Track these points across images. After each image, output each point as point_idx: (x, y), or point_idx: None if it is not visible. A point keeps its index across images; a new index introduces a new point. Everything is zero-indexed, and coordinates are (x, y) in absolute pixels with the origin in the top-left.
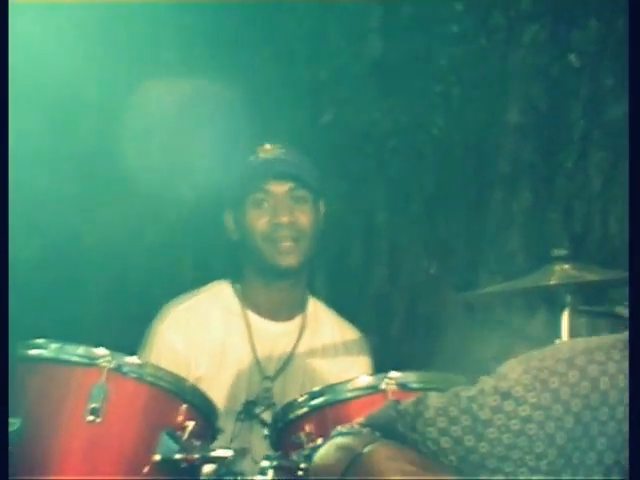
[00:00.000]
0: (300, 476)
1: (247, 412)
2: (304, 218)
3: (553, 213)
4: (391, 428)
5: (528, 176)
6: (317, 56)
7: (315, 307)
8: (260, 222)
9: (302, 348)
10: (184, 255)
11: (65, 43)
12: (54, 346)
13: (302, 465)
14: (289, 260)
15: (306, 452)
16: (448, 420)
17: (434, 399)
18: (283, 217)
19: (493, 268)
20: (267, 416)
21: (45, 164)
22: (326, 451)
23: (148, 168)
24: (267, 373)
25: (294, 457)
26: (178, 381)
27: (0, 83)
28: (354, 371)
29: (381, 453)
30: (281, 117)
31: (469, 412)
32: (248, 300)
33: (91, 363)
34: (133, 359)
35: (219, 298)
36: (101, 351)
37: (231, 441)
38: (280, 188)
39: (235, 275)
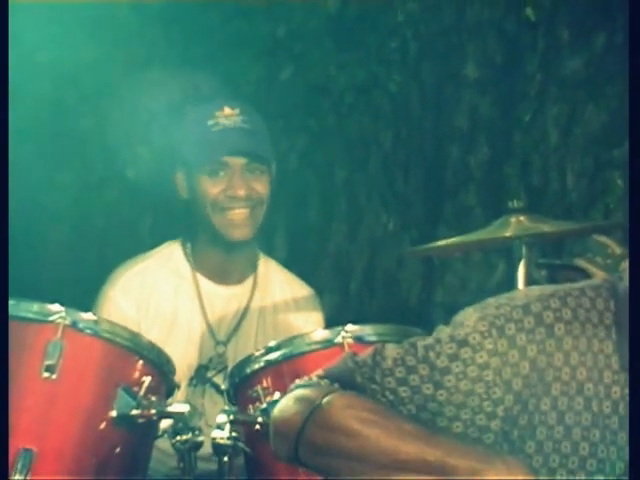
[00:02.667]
0: (257, 430)
1: (199, 377)
2: (260, 188)
3: (510, 167)
4: (349, 379)
5: (485, 130)
6: (274, 13)
7: (266, 266)
8: (213, 191)
9: (253, 310)
10: (142, 214)
11: None
12: (10, 303)
13: (259, 419)
14: (242, 232)
15: (263, 406)
16: (406, 370)
17: (391, 350)
18: (239, 190)
19: (451, 223)
20: (219, 380)
21: (3, 123)
22: (285, 404)
23: (105, 126)
24: (219, 337)
25: (251, 411)
26: (134, 337)
27: (0, 82)
28: (307, 328)
29: (339, 402)
30: (239, 74)
31: (426, 361)
32: (198, 263)
33: (46, 320)
34: (89, 315)
35: (169, 261)
36: (56, 307)
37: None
38: (237, 161)
39: (187, 235)
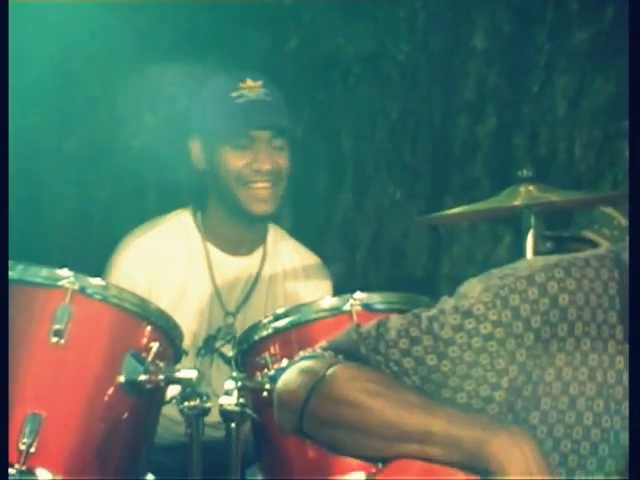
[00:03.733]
0: (265, 397)
1: (207, 347)
2: (283, 162)
3: (518, 138)
4: (354, 351)
5: (493, 101)
6: None
7: (275, 236)
8: (238, 164)
9: (263, 281)
10: (149, 183)
11: None
12: (19, 267)
13: (267, 386)
14: (265, 207)
15: (271, 373)
16: (410, 341)
17: (395, 321)
18: (265, 164)
19: (458, 194)
20: (227, 350)
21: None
22: (289, 376)
23: (112, 95)
24: (228, 308)
25: (259, 378)
26: (143, 303)
27: (0, 82)
28: (316, 297)
29: (343, 374)
30: (246, 44)
31: (430, 332)
32: (209, 233)
33: (55, 284)
34: (97, 280)
35: (179, 230)
36: (65, 272)
37: None
38: (263, 135)
39: (197, 203)
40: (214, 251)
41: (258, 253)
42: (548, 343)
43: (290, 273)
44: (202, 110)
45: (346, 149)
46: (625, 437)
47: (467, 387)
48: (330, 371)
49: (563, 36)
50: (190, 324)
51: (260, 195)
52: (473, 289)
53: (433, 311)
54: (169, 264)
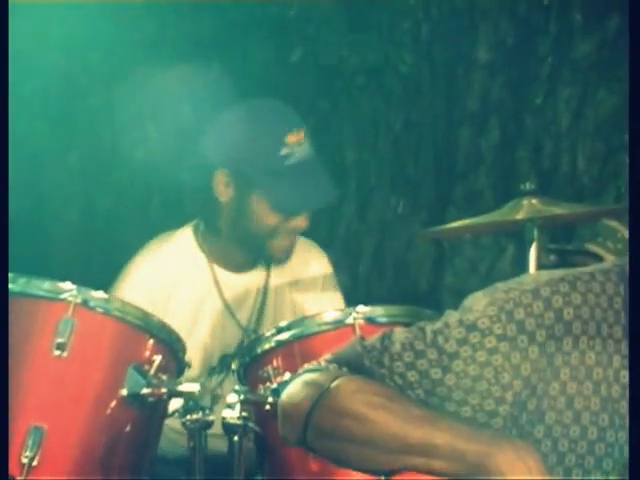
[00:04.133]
0: (268, 410)
1: (222, 365)
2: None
3: (522, 151)
4: (358, 364)
5: (497, 113)
6: None
7: None
8: (272, 220)
9: (271, 293)
10: (152, 194)
11: None
12: (21, 280)
13: (269, 399)
14: (287, 255)
15: (274, 386)
16: (414, 354)
17: (400, 334)
18: (303, 223)
19: (461, 206)
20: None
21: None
22: (293, 388)
23: (114, 105)
24: (244, 324)
25: (261, 391)
26: (145, 316)
27: (0, 81)
28: (326, 304)
29: (348, 387)
30: (250, 54)
31: (435, 345)
32: (213, 253)
33: (57, 297)
34: (100, 293)
35: (183, 252)
36: (67, 285)
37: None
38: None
39: (201, 221)
40: (219, 270)
41: (262, 268)
42: (552, 357)
43: (297, 280)
44: (237, 149)
45: (349, 160)
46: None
47: (471, 401)
48: (334, 384)
49: (566, 48)
50: (205, 344)
51: (286, 245)
52: (478, 303)
53: (438, 324)
54: (175, 289)
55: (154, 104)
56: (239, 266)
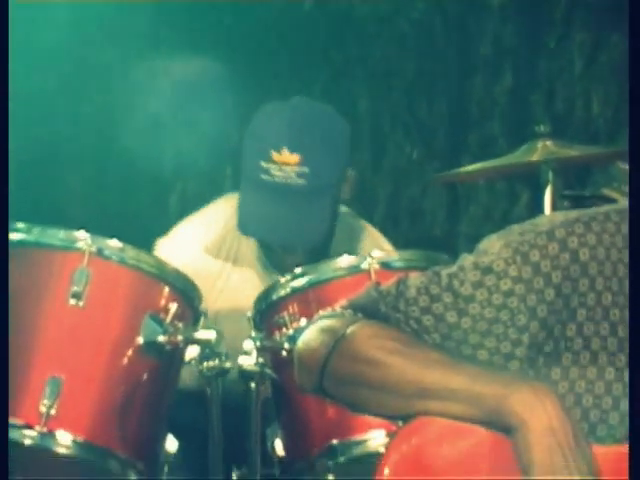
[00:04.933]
0: (284, 356)
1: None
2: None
3: (535, 96)
4: (373, 309)
5: (510, 58)
6: None
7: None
8: None
9: None
10: (166, 149)
11: None
12: (36, 230)
13: (286, 345)
14: (290, 264)
15: (290, 333)
16: (430, 298)
17: (415, 279)
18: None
19: (475, 153)
20: None
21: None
22: (309, 335)
23: (127, 61)
24: None
25: (277, 338)
26: (160, 264)
27: (0, 81)
28: None
29: (363, 332)
30: (262, 3)
31: (450, 289)
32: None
33: (72, 247)
34: (114, 242)
35: (228, 234)
36: (82, 234)
37: None
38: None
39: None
40: (264, 263)
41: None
42: (569, 298)
43: None
44: (244, 146)
45: (362, 109)
46: None
47: (488, 344)
48: (350, 329)
49: None
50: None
51: (285, 265)
52: (493, 245)
53: (453, 268)
54: (218, 278)
55: (166, 61)
56: (282, 267)
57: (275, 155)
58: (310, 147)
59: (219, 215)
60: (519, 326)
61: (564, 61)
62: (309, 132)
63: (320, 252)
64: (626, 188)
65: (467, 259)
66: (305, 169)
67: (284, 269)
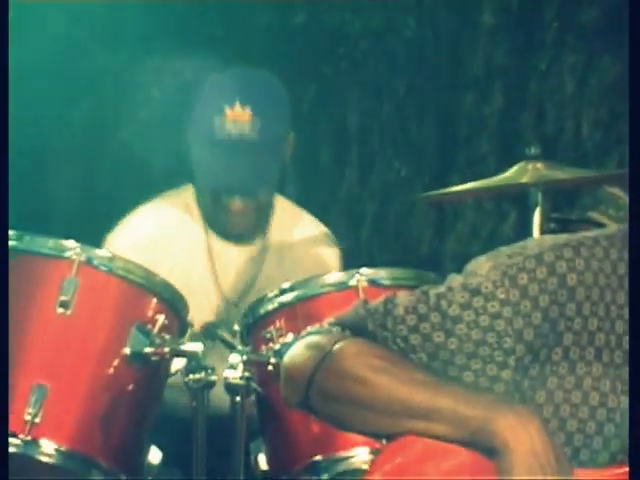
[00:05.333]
0: (270, 371)
1: (208, 334)
2: (263, 198)
3: (525, 117)
4: (361, 326)
5: (501, 79)
6: None
7: (280, 220)
8: (211, 197)
9: (265, 271)
10: (154, 155)
11: None
12: (26, 238)
13: (272, 360)
14: (239, 230)
15: (276, 347)
16: (417, 317)
17: (403, 297)
18: (235, 206)
19: (464, 171)
20: (229, 337)
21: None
22: (296, 350)
23: (118, 66)
24: (230, 297)
25: (264, 352)
26: (149, 275)
27: (0, 80)
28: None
29: (350, 349)
30: (253, 18)
31: (438, 309)
32: (209, 221)
33: (61, 255)
34: (104, 252)
35: (181, 215)
36: (71, 243)
37: None
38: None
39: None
40: (214, 239)
41: (260, 242)
42: (556, 323)
43: (294, 261)
44: (197, 110)
45: (352, 125)
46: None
47: (474, 366)
48: (337, 346)
49: (572, 13)
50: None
51: (234, 222)
52: (481, 267)
53: (441, 288)
54: (169, 250)
55: (158, 67)
56: (236, 237)
57: (229, 111)
58: (260, 102)
59: (167, 202)
60: (505, 348)
61: (555, 83)
62: (257, 89)
63: (263, 214)
64: (613, 212)
65: (455, 280)
66: (257, 123)
67: (232, 235)
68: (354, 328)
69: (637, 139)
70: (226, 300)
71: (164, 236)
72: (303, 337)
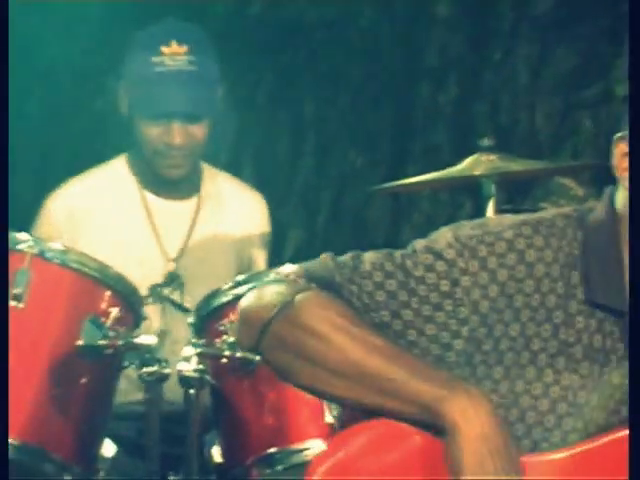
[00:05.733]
0: (224, 363)
1: (155, 295)
2: (199, 134)
3: (480, 106)
4: (328, 279)
5: (455, 69)
6: None
7: (210, 177)
8: (151, 134)
9: (201, 224)
10: (111, 145)
11: None
12: None
13: (226, 352)
14: (177, 172)
15: (230, 340)
16: (383, 274)
17: (370, 255)
18: (176, 139)
19: (419, 161)
20: (178, 297)
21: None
22: (256, 295)
23: (73, 55)
24: (170, 254)
25: (218, 345)
26: (102, 267)
27: (0, 79)
28: (255, 232)
29: (312, 302)
30: (209, 7)
31: (403, 268)
32: (144, 178)
33: (13, 248)
34: (57, 245)
35: (114, 178)
36: (24, 236)
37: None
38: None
39: (132, 149)
40: (151, 197)
41: (194, 196)
42: (512, 298)
43: (228, 213)
44: (129, 60)
45: (308, 114)
46: (582, 396)
47: (429, 331)
48: (300, 296)
49: (526, 4)
50: (132, 273)
51: (172, 163)
52: (444, 236)
53: (407, 250)
54: (102, 213)
55: (114, 54)
56: (171, 193)
57: (165, 49)
58: (194, 43)
59: (100, 170)
60: (460, 318)
61: (509, 73)
62: (190, 33)
63: (196, 159)
64: (565, 203)
65: (420, 243)
66: (194, 58)
67: (168, 184)
68: (321, 280)
69: (637, 138)
70: (167, 257)
71: (93, 199)
72: (267, 283)
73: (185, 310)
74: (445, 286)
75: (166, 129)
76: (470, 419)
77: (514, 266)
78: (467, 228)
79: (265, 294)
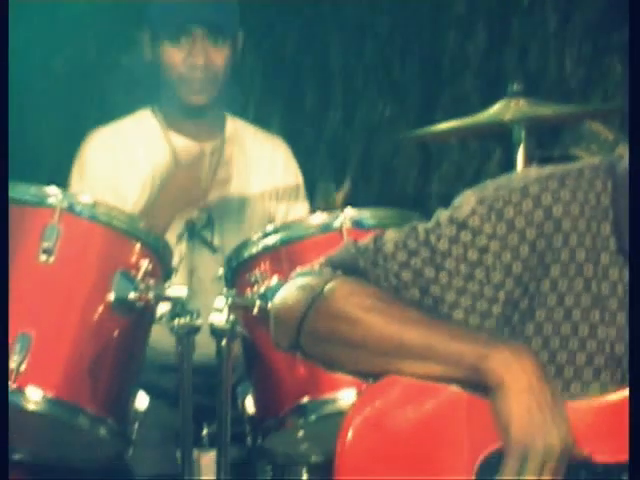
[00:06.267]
0: (255, 314)
1: (190, 232)
2: (219, 60)
3: (509, 54)
4: (352, 265)
5: (483, 16)
6: None
7: (234, 123)
8: (174, 58)
9: (226, 162)
10: (138, 101)
11: None
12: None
13: (257, 303)
14: (200, 99)
15: (261, 290)
16: (407, 253)
17: (392, 234)
18: (198, 59)
19: (448, 110)
20: (208, 235)
21: None
22: (286, 292)
23: (99, 11)
24: (197, 190)
25: (249, 295)
26: (132, 220)
27: (0, 78)
28: (283, 173)
29: (342, 289)
30: None
31: (427, 244)
32: (169, 121)
33: (43, 202)
34: (86, 198)
35: (140, 124)
36: (53, 190)
37: (180, 263)
38: (199, 31)
39: (156, 101)
40: (175, 137)
41: (219, 138)
42: (543, 255)
43: (253, 153)
44: (150, 4)
45: (335, 65)
46: (620, 348)
47: (464, 303)
48: (328, 286)
49: None
50: (168, 210)
51: (196, 88)
52: (468, 201)
53: (429, 224)
54: (134, 154)
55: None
56: (195, 134)
57: None
58: None
59: (125, 120)
60: (494, 283)
61: (538, 19)
62: None
63: (219, 85)
64: (595, 148)
65: (443, 214)
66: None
67: (193, 112)
68: (345, 267)
69: (637, 136)
70: (194, 195)
71: (124, 140)
72: (293, 278)
73: (214, 249)
74: (473, 255)
75: (189, 51)
76: (516, 373)
77: (542, 222)
78: (491, 190)
79: (294, 290)
